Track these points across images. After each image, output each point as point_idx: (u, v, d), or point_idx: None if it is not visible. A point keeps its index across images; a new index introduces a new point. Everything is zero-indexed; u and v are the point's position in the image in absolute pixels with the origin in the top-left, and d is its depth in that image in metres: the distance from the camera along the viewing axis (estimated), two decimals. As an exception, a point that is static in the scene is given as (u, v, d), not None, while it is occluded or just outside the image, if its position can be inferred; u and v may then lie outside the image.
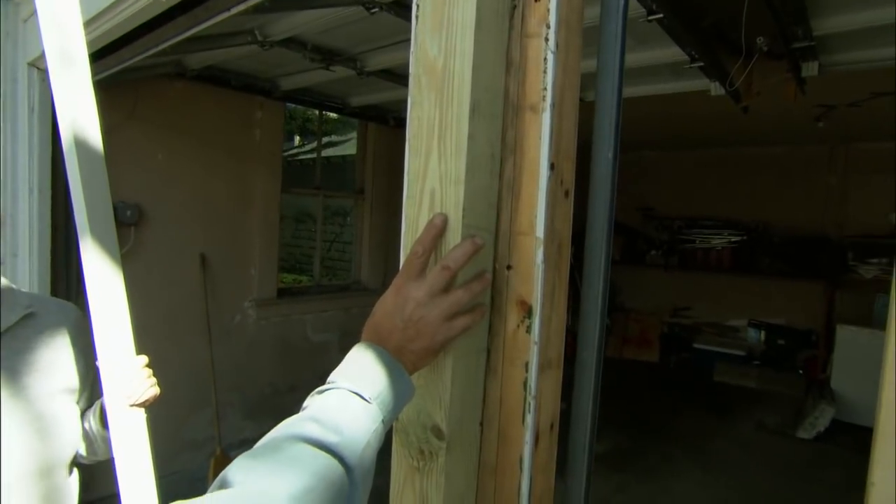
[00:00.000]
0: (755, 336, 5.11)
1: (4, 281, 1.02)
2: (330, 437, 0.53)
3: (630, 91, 2.73)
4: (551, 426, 0.78)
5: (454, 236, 0.71)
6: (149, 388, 1.04)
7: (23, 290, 1.07)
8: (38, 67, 2.52)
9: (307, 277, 4.27)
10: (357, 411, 0.57)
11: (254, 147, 3.36)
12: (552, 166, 0.72)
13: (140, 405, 1.03)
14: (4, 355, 0.95)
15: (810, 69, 2.05)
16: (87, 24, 1.41)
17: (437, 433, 0.72)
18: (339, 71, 2.69)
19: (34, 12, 2.37)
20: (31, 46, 2.46)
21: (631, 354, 5.49)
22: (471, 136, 0.69)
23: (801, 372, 4.76)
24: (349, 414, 0.56)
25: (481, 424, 0.77)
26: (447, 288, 0.65)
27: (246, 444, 3.26)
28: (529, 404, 0.73)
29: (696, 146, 5.21)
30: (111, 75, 2.20)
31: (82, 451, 1.08)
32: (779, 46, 1.86)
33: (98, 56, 1.99)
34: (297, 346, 3.66)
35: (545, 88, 0.71)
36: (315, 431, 0.53)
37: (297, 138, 7.98)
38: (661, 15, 1.61)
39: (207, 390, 3.06)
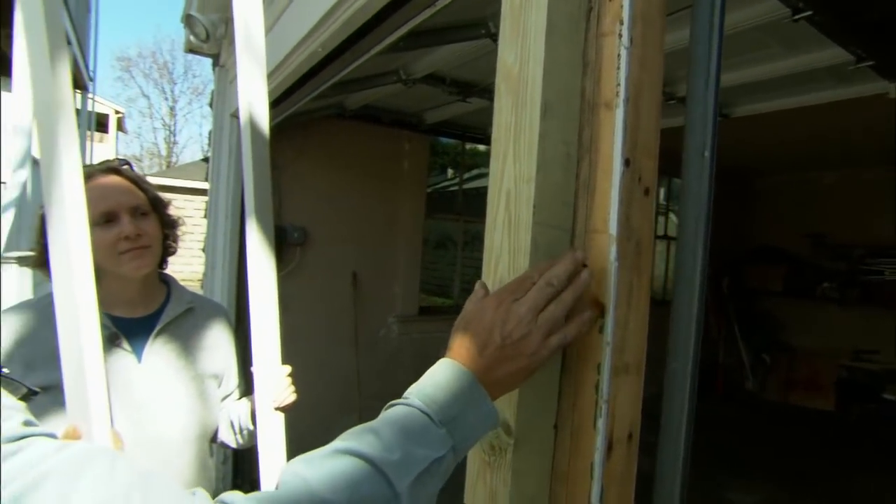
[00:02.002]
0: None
1: (177, 278, 1.26)
2: (383, 456, 0.51)
3: (785, 102, 2.43)
4: (629, 436, 0.74)
5: (525, 234, 0.73)
6: (290, 394, 1.18)
7: (189, 289, 1.30)
8: (237, 117, 3.09)
9: (447, 299, 4.48)
10: (422, 433, 0.54)
11: (401, 176, 3.66)
12: (627, 162, 0.70)
13: (282, 409, 1.17)
14: (170, 339, 1.15)
15: None
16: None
17: (506, 429, 0.73)
18: (475, 102, 2.84)
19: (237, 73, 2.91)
20: (235, 101, 3.03)
21: (798, 400, 4.70)
22: (542, 136, 0.71)
23: None
24: (412, 435, 0.53)
25: (556, 427, 0.76)
26: (547, 305, 0.61)
27: (383, 452, 3.46)
28: (601, 408, 0.70)
29: (879, 163, 4.36)
30: (284, 119, 2.60)
31: (230, 439, 1.25)
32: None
33: (274, 104, 2.38)
34: (435, 362, 3.81)
35: (619, 84, 0.70)
36: (371, 447, 0.51)
37: (449, 171, 8.46)
38: (809, 12, 1.44)
39: (353, 396, 3.35)
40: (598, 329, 0.70)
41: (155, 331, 1.13)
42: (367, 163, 3.52)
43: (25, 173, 4.25)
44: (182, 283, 1.29)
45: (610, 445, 0.71)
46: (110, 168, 1.15)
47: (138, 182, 1.16)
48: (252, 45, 1.33)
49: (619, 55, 0.70)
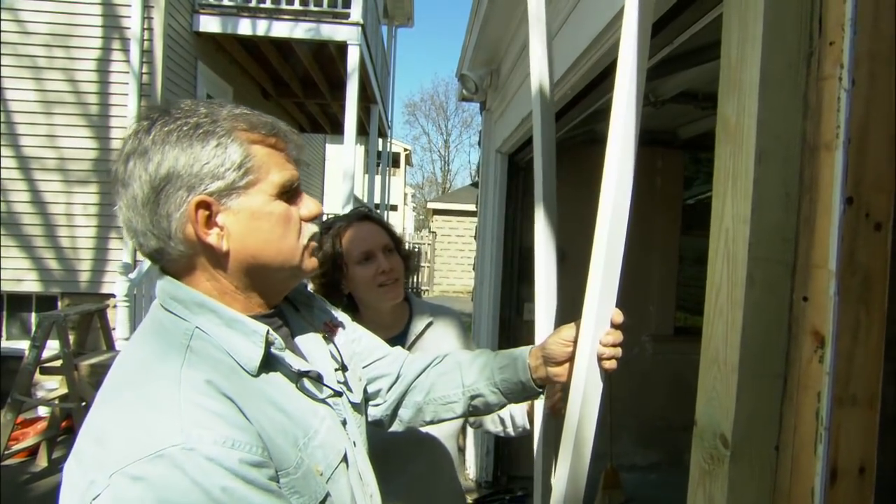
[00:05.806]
0: None
1: (415, 296, 1.48)
2: None
3: None
4: (861, 469, 0.75)
5: (741, 269, 0.81)
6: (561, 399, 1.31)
7: (427, 302, 1.47)
8: (500, 152, 3.55)
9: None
10: None
11: (654, 194, 3.61)
12: (849, 200, 0.73)
13: (554, 413, 1.30)
14: (418, 352, 1.27)
15: None
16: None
17: (723, 441, 0.82)
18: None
19: (499, 116, 3.36)
20: (497, 139, 3.50)
21: None
22: (756, 181, 0.79)
23: None
24: None
25: (777, 448, 0.81)
26: None
27: (635, 469, 3.44)
28: (821, 435, 0.74)
29: None
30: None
31: (496, 427, 1.46)
32: None
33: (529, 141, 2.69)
34: (693, 386, 3.58)
35: (838, 126, 0.74)
36: None
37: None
38: None
39: (605, 412, 3.41)
40: (819, 359, 0.74)
41: (406, 347, 1.30)
42: (619, 182, 3.58)
43: (350, 208, 5.61)
44: (421, 299, 1.50)
45: (834, 474, 0.74)
46: (363, 215, 1.34)
47: (383, 224, 1.35)
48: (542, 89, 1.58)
49: (838, 98, 0.74)
